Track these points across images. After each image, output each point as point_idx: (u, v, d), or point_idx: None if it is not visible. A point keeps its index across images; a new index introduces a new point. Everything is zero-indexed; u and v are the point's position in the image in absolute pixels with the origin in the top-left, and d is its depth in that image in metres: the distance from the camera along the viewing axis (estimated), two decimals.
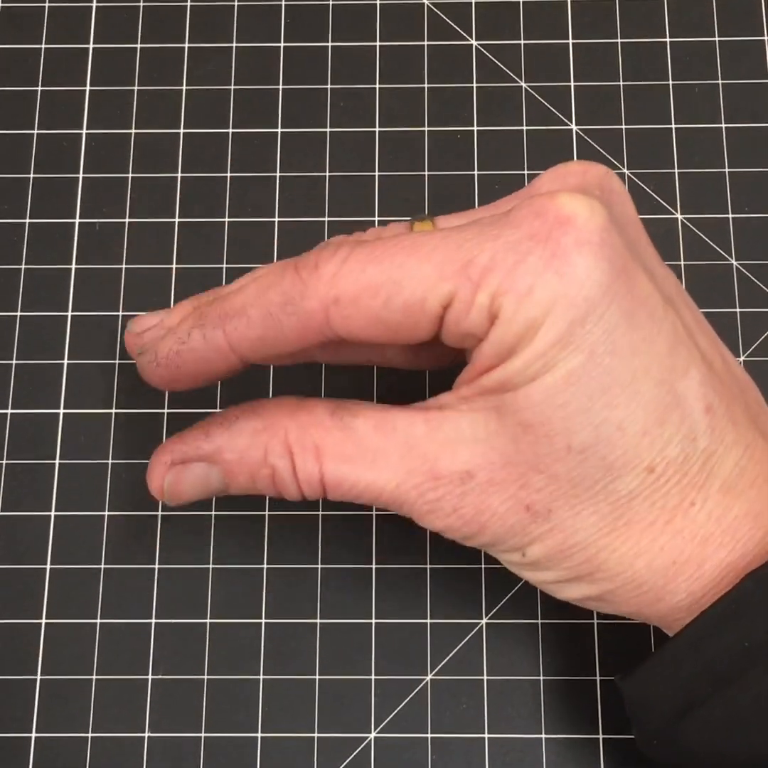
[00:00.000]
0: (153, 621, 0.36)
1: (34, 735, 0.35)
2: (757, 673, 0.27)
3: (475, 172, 0.40)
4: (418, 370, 0.36)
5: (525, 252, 0.26)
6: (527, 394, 0.26)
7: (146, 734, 0.35)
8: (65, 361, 0.38)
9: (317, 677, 0.35)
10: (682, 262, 0.38)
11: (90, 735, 0.35)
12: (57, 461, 0.37)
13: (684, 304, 0.30)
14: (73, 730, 0.35)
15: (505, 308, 0.26)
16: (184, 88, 0.41)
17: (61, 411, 0.37)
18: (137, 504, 0.37)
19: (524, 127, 0.40)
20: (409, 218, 0.33)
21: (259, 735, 0.35)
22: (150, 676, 0.35)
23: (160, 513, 0.36)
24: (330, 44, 0.41)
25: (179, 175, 0.40)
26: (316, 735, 0.35)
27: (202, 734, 0.35)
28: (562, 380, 0.26)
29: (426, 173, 0.40)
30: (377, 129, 0.40)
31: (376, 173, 0.40)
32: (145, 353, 0.31)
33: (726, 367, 0.30)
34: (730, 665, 0.27)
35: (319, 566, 0.36)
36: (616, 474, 0.27)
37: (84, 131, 0.40)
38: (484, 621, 0.36)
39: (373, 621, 0.36)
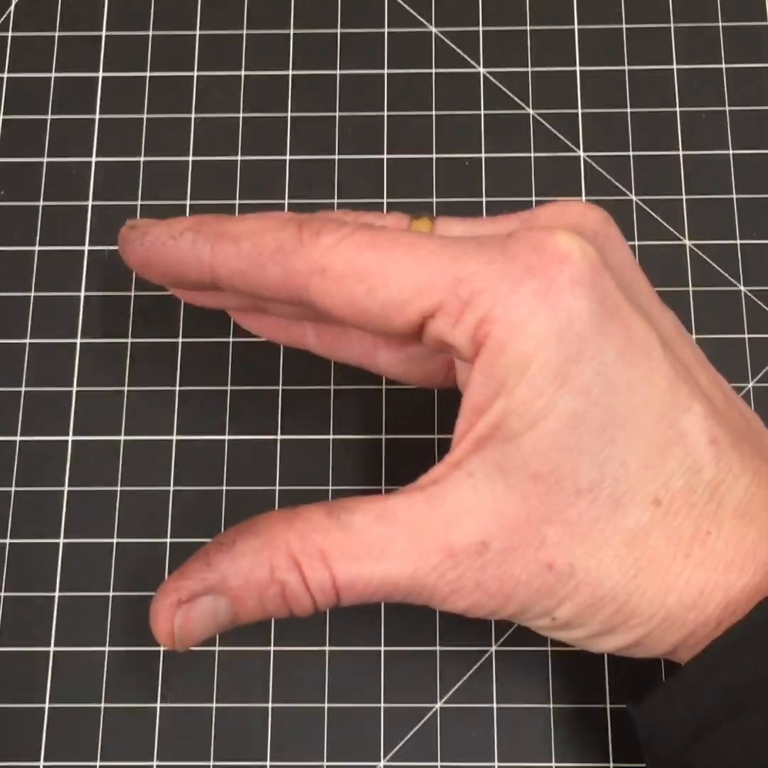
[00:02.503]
0: (161, 649, 0.36)
1: (41, 764, 0.35)
2: None
3: (483, 199, 0.40)
4: (409, 385, 0.36)
5: (519, 283, 0.26)
6: (534, 443, 0.27)
7: (154, 763, 0.35)
8: (74, 389, 0.38)
9: (326, 705, 0.35)
10: (691, 288, 0.39)
11: (98, 764, 0.35)
12: (65, 488, 0.37)
13: (684, 342, 0.30)
14: (81, 758, 0.35)
15: (494, 336, 0.26)
16: (192, 116, 0.41)
17: (70, 438, 0.37)
18: (144, 534, 0.37)
19: (532, 154, 0.40)
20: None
21: (268, 763, 0.35)
22: (158, 705, 0.35)
23: (168, 540, 0.37)
24: (338, 72, 0.41)
25: (188, 202, 0.40)
26: (325, 763, 0.35)
27: (211, 763, 0.35)
28: (567, 424, 0.26)
29: (435, 200, 0.40)
30: (385, 156, 0.40)
31: (385, 200, 0.40)
32: (135, 229, 0.31)
33: (728, 401, 0.30)
34: (744, 692, 0.27)
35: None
36: (625, 509, 0.27)
37: (93, 159, 0.40)
38: (493, 648, 0.35)
39: (383, 648, 0.36)
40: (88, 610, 0.36)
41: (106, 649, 0.36)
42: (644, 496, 0.27)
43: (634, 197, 0.40)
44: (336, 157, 0.40)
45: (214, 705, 0.35)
